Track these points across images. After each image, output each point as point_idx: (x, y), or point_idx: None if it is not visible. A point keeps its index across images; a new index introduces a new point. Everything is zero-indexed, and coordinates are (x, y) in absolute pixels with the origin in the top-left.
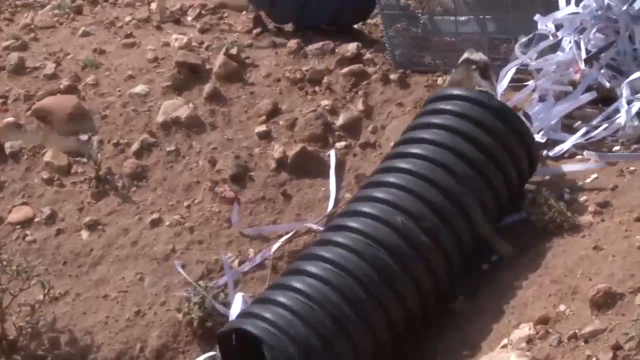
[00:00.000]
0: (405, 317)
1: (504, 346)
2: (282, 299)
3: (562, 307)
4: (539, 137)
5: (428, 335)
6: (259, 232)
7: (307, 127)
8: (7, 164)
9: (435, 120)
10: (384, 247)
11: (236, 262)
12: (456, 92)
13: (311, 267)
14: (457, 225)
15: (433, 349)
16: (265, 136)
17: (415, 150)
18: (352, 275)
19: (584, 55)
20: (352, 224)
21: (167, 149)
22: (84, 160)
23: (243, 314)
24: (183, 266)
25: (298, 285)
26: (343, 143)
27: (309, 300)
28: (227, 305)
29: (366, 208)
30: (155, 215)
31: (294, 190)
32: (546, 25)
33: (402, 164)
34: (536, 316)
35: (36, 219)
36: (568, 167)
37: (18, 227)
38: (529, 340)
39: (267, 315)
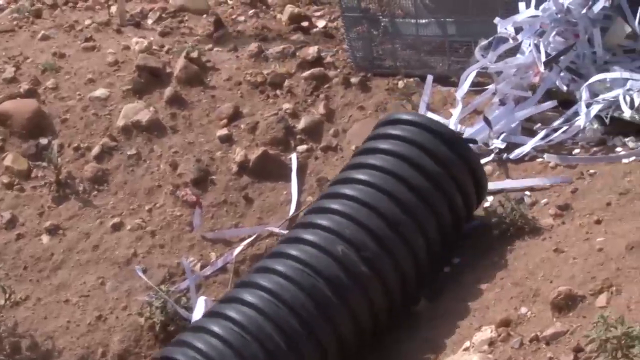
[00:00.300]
0: (341, 349)
1: (466, 349)
2: (215, 328)
3: (523, 310)
4: (498, 142)
5: (392, 337)
6: (220, 235)
7: (269, 130)
8: None
9: (383, 145)
10: (322, 278)
11: (198, 266)
12: (404, 116)
13: (247, 296)
14: (399, 255)
15: (396, 350)
16: (227, 140)
17: (360, 176)
18: (288, 306)
19: (543, 59)
20: (292, 251)
21: (128, 152)
22: (44, 164)
23: (176, 342)
24: (144, 270)
25: (233, 314)
26: (305, 146)
27: (242, 331)
28: (190, 309)
29: (308, 235)
30: (116, 219)
31: (255, 193)
32: (506, 29)
33: (346, 189)
34: (498, 318)
35: None
36: (526, 181)
37: None
38: (491, 343)
39: (199, 344)
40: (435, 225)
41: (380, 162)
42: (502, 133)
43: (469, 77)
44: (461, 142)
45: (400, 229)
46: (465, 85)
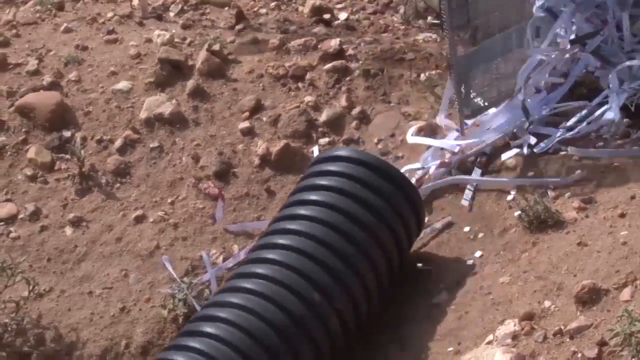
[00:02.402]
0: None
1: (489, 342)
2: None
3: (547, 303)
4: (528, 137)
5: (412, 328)
6: (243, 228)
7: (291, 123)
8: None
9: (323, 182)
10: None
11: (220, 258)
12: (341, 152)
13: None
14: (352, 285)
15: (418, 343)
16: (249, 132)
17: (305, 212)
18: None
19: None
20: (249, 285)
21: (151, 145)
22: (68, 157)
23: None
24: (170, 262)
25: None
26: (327, 139)
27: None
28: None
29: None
30: (139, 212)
31: (277, 186)
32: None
33: (293, 225)
34: (521, 312)
35: (20, 216)
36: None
37: (2, 223)
38: (515, 337)
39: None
40: (382, 257)
41: (324, 198)
42: (531, 122)
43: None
44: (400, 175)
45: (350, 261)
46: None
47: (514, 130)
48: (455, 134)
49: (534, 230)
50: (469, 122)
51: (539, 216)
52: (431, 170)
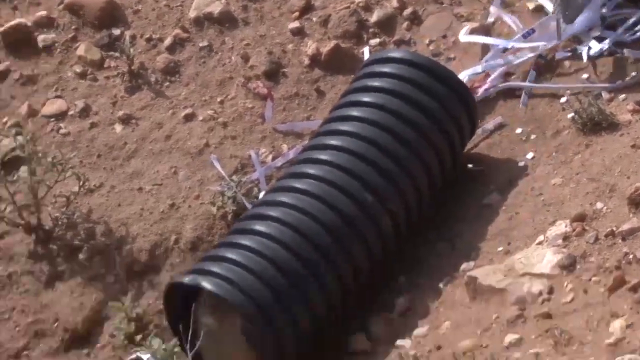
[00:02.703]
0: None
1: (540, 242)
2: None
3: (599, 205)
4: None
5: (462, 228)
6: (292, 128)
7: (341, 23)
8: (40, 58)
9: (375, 83)
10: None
11: (269, 157)
12: (393, 54)
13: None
14: (404, 187)
15: (468, 243)
16: (299, 33)
17: (357, 113)
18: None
19: None
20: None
21: (200, 44)
22: (117, 54)
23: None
24: (218, 160)
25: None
26: (377, 40)
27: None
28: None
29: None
30: (188, 110)
31: (327, 86)
32: None
33: (344, 127)
34: (573, 213)
35: (70, 112)
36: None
37: (52, 119)
38: (565, 237)
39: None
40: (435, 159)
41: (376, 99)
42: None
43: None
44: (454, 77)
45: (402, 162)
46: None
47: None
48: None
49: (587, 133)
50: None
51: (593, 118)
52: (493, 75)
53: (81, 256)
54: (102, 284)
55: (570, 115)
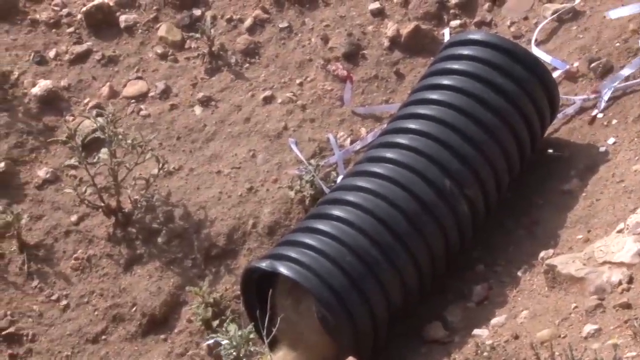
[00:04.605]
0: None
1: (620, 230)
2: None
3: None
4: None
5: (541, 215)
6: (371, 111)
7: (422, 4)
8: (122, 38)
9: (455, 66)
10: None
11: (348, 140)
12: (474, 36)
13: (337, 212)
14: (483, 174)
15: (547, 228)
16: (379, 14)
17: (436, 96)
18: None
19: None
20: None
21: (280, 25)
22: (197, 35)
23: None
24: (296, 144)
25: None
26: (458, 21)
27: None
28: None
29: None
30: (267, 93)
31: (407, 69)
32: None
33: (421, 110)
34: None
35: (150, 94)
36: None
37: (133, 101)
38: None
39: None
40: (514, 144)
41: (456, 82)
42: None
43: None
44: (535, 60)
45: (481, 147)
46: None
47: None
48: None
49: None
50: None
51: None
52: None
53: (159, 240)
54: (180, 268)
55: None
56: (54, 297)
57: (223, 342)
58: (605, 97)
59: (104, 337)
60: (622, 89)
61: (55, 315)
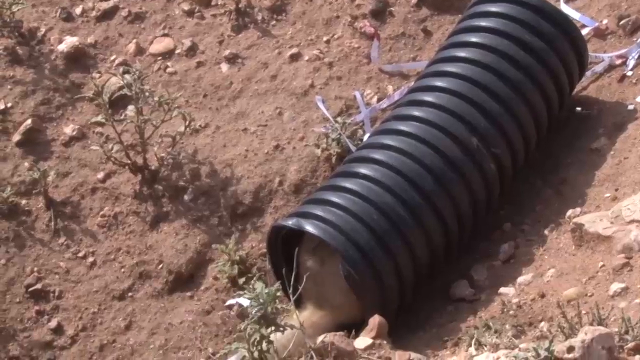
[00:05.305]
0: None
1: None
2: (349, 185)
3: None
4: None
5: (569, 173)
6: (398, 68)
7: None
8: None
9: (483, 23)
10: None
11: (375, 98)
12: None
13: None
14: (510, 131)
15: (574, 189)
16: None
17: (464, 54)
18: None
19: None
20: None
21: None
22: None
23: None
24: (323, 101)
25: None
26: None
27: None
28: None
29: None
30: (294, 50)
31: (434, 26)
32: None
33: (452, 68)
34: None
35: (177, 51)
36: None
37: (159, 58)
38: None
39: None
40: (542, 102)
41: (484, 40)
42: None
43: None
44: (564, 17)
45: (509, 105)
46: None
47: None
48: None
49: None
50: None
51: None
52: None
53: (186, 197)
54: (206, 225)
55: None
56: (80, 254)
57: (246, 304)
58: (636, 56)
59: (130, 294)
60: None
61: (81, 272)
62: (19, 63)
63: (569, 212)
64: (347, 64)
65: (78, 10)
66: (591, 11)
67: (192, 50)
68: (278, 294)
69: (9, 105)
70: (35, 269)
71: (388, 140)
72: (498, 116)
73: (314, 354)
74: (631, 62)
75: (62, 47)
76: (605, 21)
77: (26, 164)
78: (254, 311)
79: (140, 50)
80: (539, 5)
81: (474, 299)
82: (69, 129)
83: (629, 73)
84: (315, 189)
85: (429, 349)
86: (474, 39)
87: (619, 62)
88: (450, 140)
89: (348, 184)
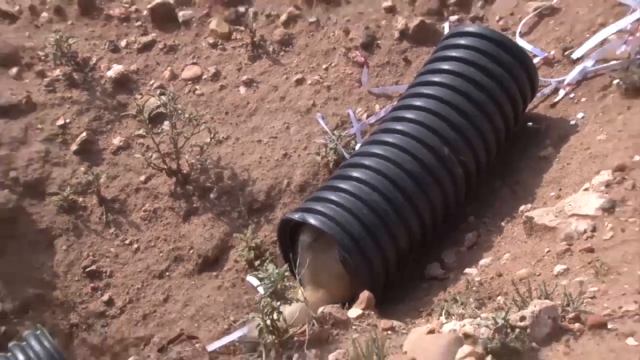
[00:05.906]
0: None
1: (586, 189)
2: (343, 185)
3: (637, 158)
4: None
5: (522, 176)
6: (384, 91)
7: (426, 2)
8: (180, 30)
9: (453, 53)
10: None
11: (365, 115)
12: (469, 29)
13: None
14: (475, 143)
15: (527, 189)
16: (391, 10)
17: (437, 79)
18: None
19: None
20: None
21: (310, 20)
22: (242, 28)
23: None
24: (323, 118)
25: (356, 174)
26: (456, 16)
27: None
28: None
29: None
30: (299, 76)
31: (413, 56)
32: None
33: (428, 90)
34: (614, 165)
35: (204, 76)
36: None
37: (189, 82)
38: (607, 185)
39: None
40: (501, 119)
41: (454, 67)
42: None
43: None
44: (520, 49)
45: (474, 121)
46: None
47: None
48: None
49: (630, 96)
50: None
51: (635, 83)
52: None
53: (212, 196)
54: (228, 218)
55: (615, 82)
56: (127, 242)
57: (256, 284)
58: (573, 81)
59: (167, 273)
60: (593, 71)
61: (128, 256)
62: (75, 86)
63: (522, 208)
64: (342, 87)
65: (123, 43)
66: (541, 43)
67: (216, 76)
68: (286, 273)
69: (67, 121)
70: (91, 253)
71: (376, 149)
72: (465, 130)
73: (315, 322)
74: (561, 92)
75: (110, 73)
76: (552, 52)
77: (82, 169)
78: (266, 287)
79: (173, 76)
80: (499, 39)
81: (444, 278)
82: (116, 140)
83: (571, 95)
84: (316, 189)
85: (408, 317)
86: (446, 66)
87: (563, 86)
88: (427, 149)
89: (343, 184)
